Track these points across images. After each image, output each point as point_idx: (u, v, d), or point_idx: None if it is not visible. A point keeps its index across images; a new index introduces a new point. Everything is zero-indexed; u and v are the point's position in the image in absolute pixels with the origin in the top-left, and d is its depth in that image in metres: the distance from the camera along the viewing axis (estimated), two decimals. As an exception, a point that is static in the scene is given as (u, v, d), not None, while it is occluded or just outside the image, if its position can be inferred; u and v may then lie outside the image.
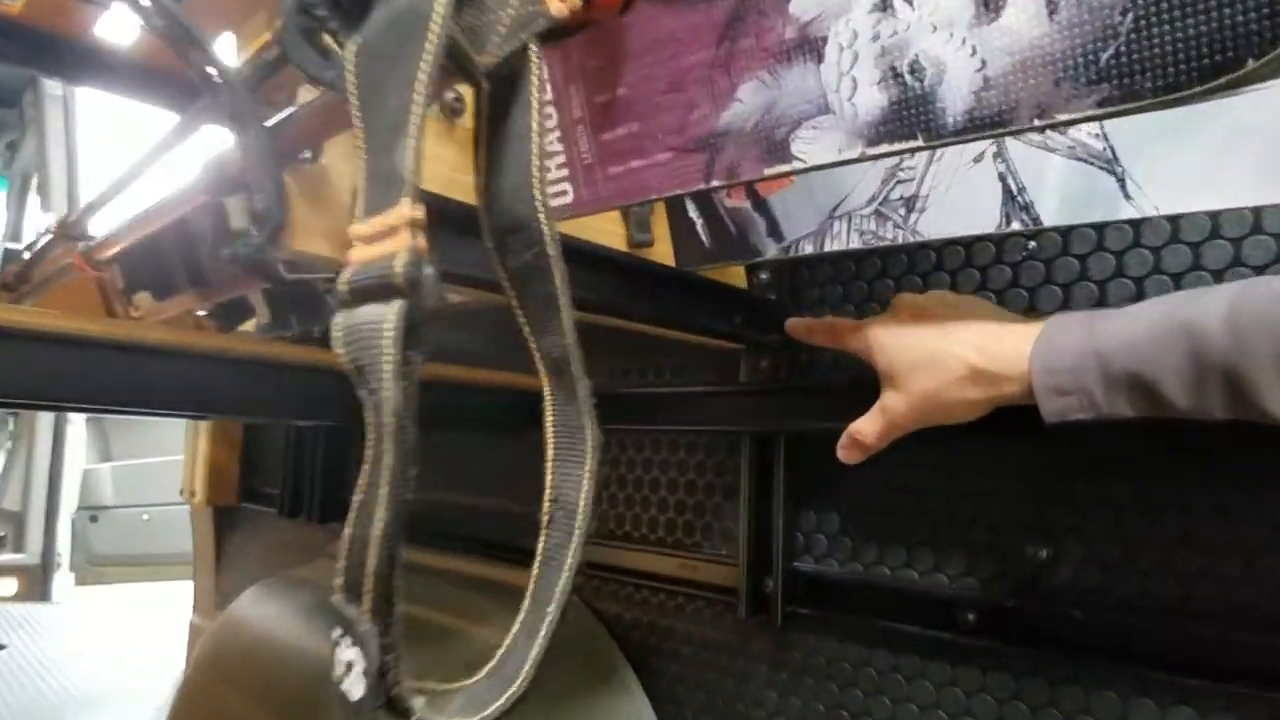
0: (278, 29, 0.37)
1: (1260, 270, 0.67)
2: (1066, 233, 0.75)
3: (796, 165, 0.46)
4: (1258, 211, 0.67)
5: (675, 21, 0.48)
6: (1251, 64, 0.32)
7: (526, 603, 0.30)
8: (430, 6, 0.27)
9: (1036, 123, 0.37)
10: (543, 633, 0.29)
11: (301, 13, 0.35)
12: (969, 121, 0.39)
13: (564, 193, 0.58)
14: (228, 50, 0.82)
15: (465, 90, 0.59)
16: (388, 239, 0.27)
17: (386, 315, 0.27)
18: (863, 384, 0.87)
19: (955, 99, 0.39)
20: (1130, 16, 0.34)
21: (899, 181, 0.63)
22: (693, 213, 0.77)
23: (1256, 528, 0.66)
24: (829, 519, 0.91)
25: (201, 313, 1.03)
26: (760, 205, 0.71)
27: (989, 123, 0.39)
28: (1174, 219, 0.70)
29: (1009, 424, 0.68)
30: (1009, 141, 0.58)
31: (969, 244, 0.81)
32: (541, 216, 0.30)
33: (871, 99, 0.42)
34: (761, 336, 0.91)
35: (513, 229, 0.31)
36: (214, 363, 0.81)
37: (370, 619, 0.28)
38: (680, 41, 0.48)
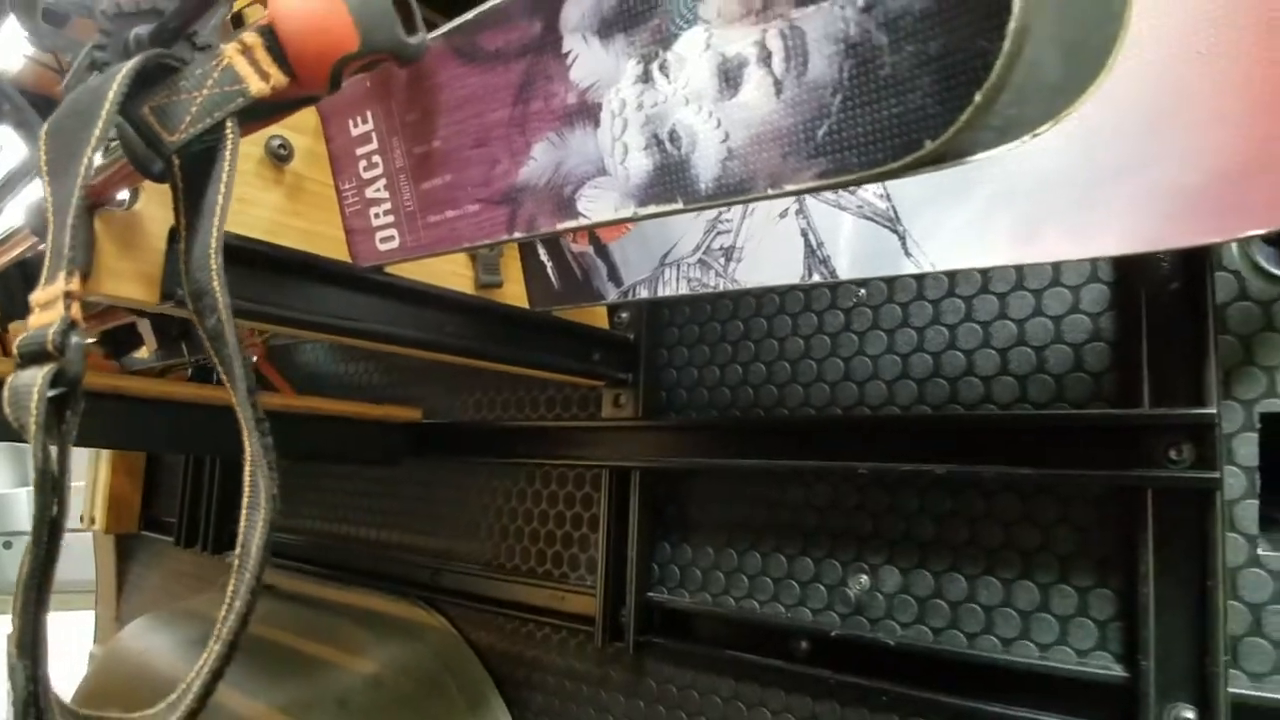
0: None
1: (1057, 320, 0.72)
2: (891, 282, 0.80)
3: (582, 221, 0.49)
4: (1057, 267, 0.73)
5: (478, 81, 0.51)
6: (930, 145, 0.36)
7: (211, 641, 0.32)
8: (108, 90, 0.30)
9: (770, 191, 0.41)
10: (207, 669, 0.32)
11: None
12: (718, 188, 0.43)
13: (391, 238, 0.61)
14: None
15: (290, 134, 0.61)
16: (52, 308, 0.29)
17: (37, 378, 0.29)
18: (715, 425, 0.91)
19: (706, 167, 0.43)
20: (840, 97, 0.38)
21: (719, 233, 0.67)
22: (544, 256, 0.80)
23: (1022, 567, 0.71)
24: (681, 551, 0.94)
25: (90, 340, 1.03)
26: (602, 251, 0.75)
27: (733, 190, 0.42)
28: (984, 272, 0.76)
29: (829, 463, 0.72)
30: (809, 200, 0.62)
31: (809, 289, 0.86)
32: (216, 285, 0.33)
33: (640, 163, 0.45)
34: (619, 374, 0.94)
35: (198, 294, 0.33)
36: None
37: (17, 655, 0.30)
38: (483, 100, 0.52)
